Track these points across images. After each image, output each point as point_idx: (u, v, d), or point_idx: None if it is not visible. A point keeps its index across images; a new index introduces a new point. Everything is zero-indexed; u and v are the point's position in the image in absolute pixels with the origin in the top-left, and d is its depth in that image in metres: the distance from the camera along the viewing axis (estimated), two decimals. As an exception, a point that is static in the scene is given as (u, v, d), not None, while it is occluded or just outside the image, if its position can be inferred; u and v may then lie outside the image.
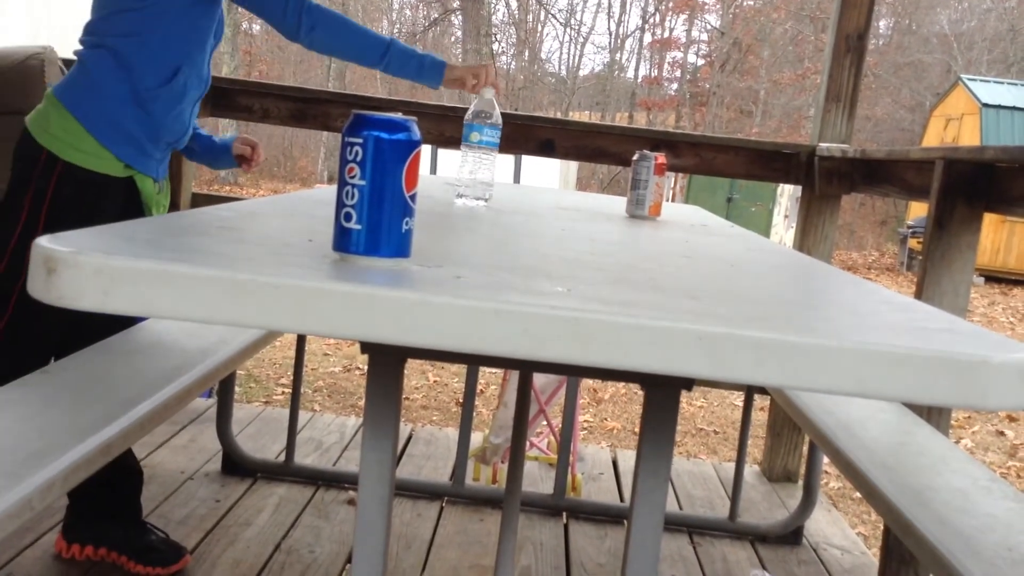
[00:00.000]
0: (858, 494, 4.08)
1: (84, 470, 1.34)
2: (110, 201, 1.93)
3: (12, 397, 1.54)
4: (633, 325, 0.73)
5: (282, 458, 2.82)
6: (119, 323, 2.01)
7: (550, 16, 26.86)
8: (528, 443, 3.04)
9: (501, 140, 3.19)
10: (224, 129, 20.31)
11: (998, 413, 5.83)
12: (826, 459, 2.71)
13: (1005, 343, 0.79)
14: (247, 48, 24.39)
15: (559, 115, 22.60)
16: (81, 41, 1.93)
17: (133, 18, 1.86)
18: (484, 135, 1.85)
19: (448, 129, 3.10)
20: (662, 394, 1.14)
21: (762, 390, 2.76)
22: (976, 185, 2.11)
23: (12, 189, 1.89)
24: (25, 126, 1.90)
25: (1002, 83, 16.73)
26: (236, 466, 2.76)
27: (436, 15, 25.69)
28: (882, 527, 2.65)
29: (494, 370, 5.53)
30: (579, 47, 27.50)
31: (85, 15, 1.95)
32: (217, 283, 0.74)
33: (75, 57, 1.93)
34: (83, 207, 1.88)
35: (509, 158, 12.36)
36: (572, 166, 15.03)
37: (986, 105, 15.38)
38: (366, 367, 1.16)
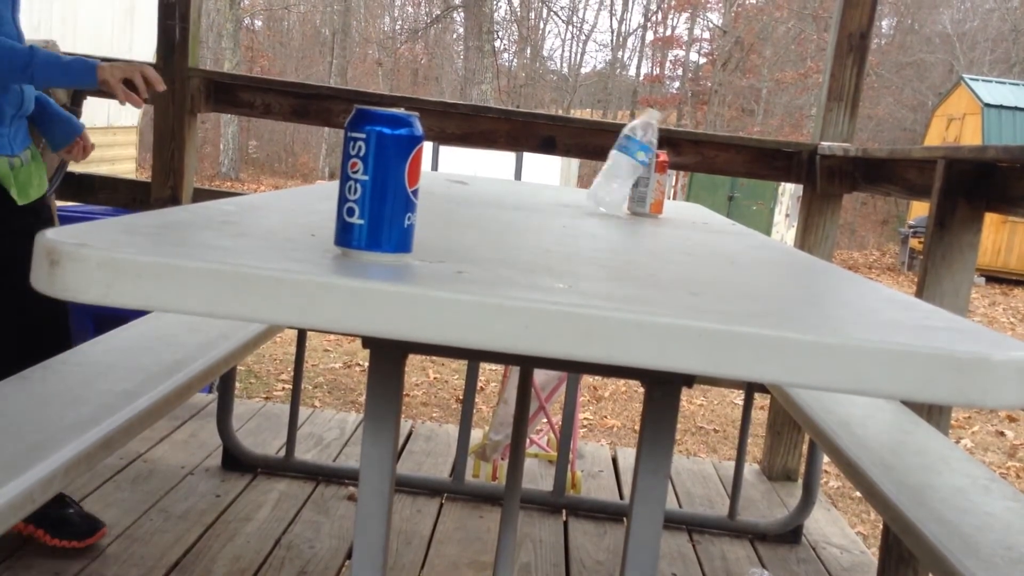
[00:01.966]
0: (857, 493, 4.08)
1: (85, 464, 1.34)
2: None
3: (13, 390, 1.54)
4: (634, 321, 0.74)
5: (282, 453, 2.83)
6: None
7: (552, 13, 26.85)
8: (528, 440, 3.04)
9: (503, 137, 3.20)
10: (226, 124, 20.30)
11: (998, 413, 5.83)
12: (826, 458, 2.71)
13: (1005, 341, 0.79)
14: (248, 43, 24.39)
15: (560, 112, 22.60)
16: None
17: None
18: (645, 156, 1.90)
19: (450, 126, 3.10)
20: (662, 391, 1.14)
21: (762, 388, 2.76)
22: (977, 185, 2.11)
23: None
24: None
25: (1004, 83, 16.71)
26: (236, 461, 2.76)
27: (438, 12, 25.66)
28: (881, 526, 2.65)
29: (494, 367, 5.53)
30: (581, 45, 27.54)
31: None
32: (220, 277, 0.74)
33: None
34: None
35: (510, 155, 12.36)
36: (573, 163, 15.02)
37: (988, 105, 15.36)
38: (366, 363, 1.17)
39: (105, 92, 2.02)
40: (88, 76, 1.92)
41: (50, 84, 1.96)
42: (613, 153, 1.93)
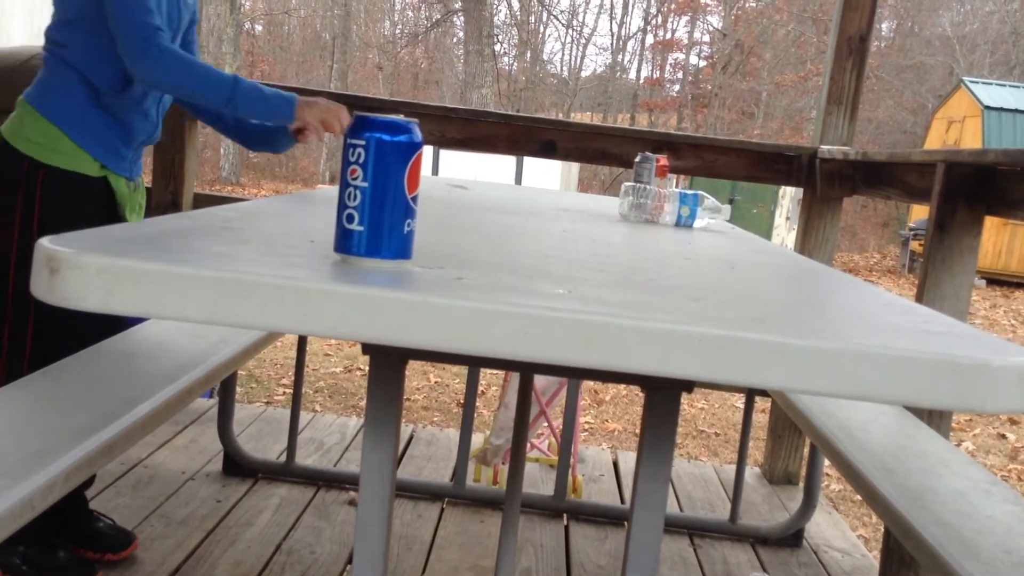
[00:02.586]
0: (859, 496, 4.08)
1: (86, 470, 1.34)
2: (91, 202, 1.95)
3: (14, 397, 1.54)
4: (633, 327, 0.74)
5: (283, 458, 2.82)
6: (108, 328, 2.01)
7: (552, 17, 26.88)
8: (529, 444, 3.04)
9: (503, 142, 3.20)
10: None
11: (999, 416, 5.83)
12: (827, 461, 2.71)
13: (1005, 347, 0.80)
14: (249, 48, 24.41)
15: (561, 116, 22.60)
16: (44, 47, 1.94)
17: (83, 27, 1.88)
18: (692, 216, 1.93)
19: (450, 130, 3.10)
20: (663, 396, 1.14)
21: (763, 392, 2.76)
22: (977, 188, 2.11)
23: (1, 200, 1.90)
24: (2, 135, 1.91)
25: (1004, 86, 16.72)
26: (237, 466, 2.76)
27: (438, 16, 25.69)
28: (882, 529, 2.65)
29: (495, 371, 5.53)
30: (581, 48, 27.58)
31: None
32: (219, 284, 0.74)
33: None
34: (70, 209, 1.90)
35: (510, 159, 12.37)
36: (573, 167, 15.03)
37: (988, 107, 15.37)
38: (367, 367, 1.17)
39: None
40: (287, 112, 1.89)
41: (250, 115, 1.92)
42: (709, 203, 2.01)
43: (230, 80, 1.86)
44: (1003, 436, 5.50)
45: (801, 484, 3.05)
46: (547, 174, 13.03)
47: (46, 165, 1.88)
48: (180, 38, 2.03)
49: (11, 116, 1.93)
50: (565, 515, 2.74)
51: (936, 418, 2.13)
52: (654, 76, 27.55)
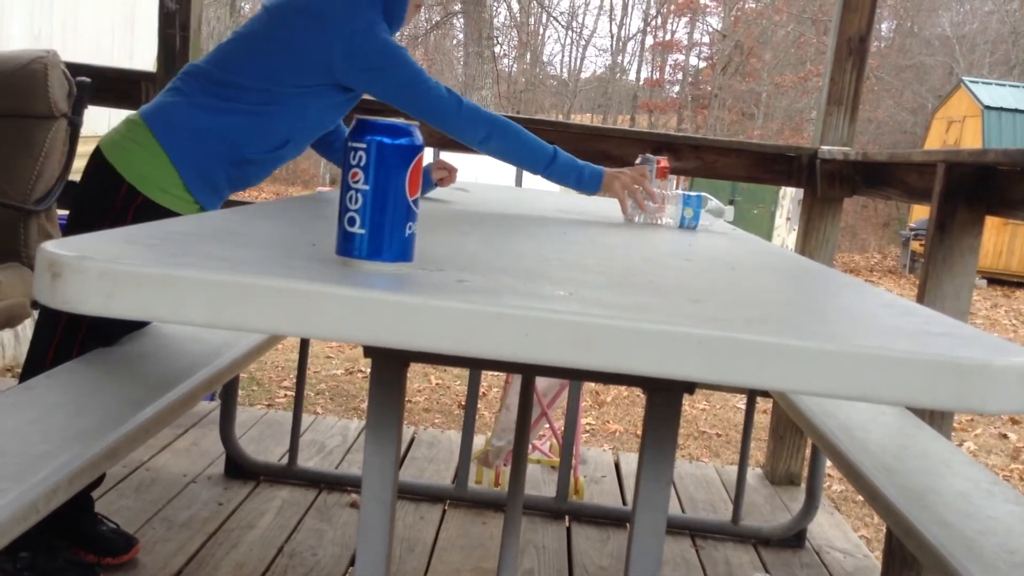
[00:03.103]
0: (860, 497, 4.08)
1: (88, 474, 1.34)
2: None
3: (17, 400, 1.55)
4: (634, 329, 0.74)
5: (285, 461, 2.83)
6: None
7: (552, 19, 26.89)
8: (530, 446, 3.04)
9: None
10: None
11: (1001, 416, 5.83)
12: (828, 462, 2.71)
13: (1006, 347, 0.80)
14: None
15: (560, 117, 22.60)
16: (184, 78, 1.91)
17: (265, 97, 1.87)
18: (695, 218, 1.93)
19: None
20: (664, 397, 1.14)
21: (764, 392, 2.76)
22: (977, 188, 2.11)
23: (86, 210, 1.90)
24: (103, 152, 1.88)
25: (1004, 85, 16.72)
26: (239, 469, 2.76)
27: (438, 18, 25.70)
28: (884, 530, 2.65)
29: (497, 373, 5.53)
30: (581, 50, 27.57)
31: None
32: (220, 287, 0.74)
33: (176, 86, 1.92)
34: None
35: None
36: (574, 169, 15.01)
37: (988, 107, 15.37)
38: (369, 370, 1.17)
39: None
40: (594, 187, 1.98)
41: (560, 182, 2.00)
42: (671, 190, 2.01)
43: (551, 151, 1.96)
44: (1005, 436, 5.50)
45: (803, 485, 3.05)
46: (547, 176, 13.01)
47: (144, 196, 1.86)
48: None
49: (118, 132, 1.89)
50: (567, 517, 2.74)
51: (937, 418, 2.13)
52: (654, 77, 27.56)
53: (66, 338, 1.91)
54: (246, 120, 1.88)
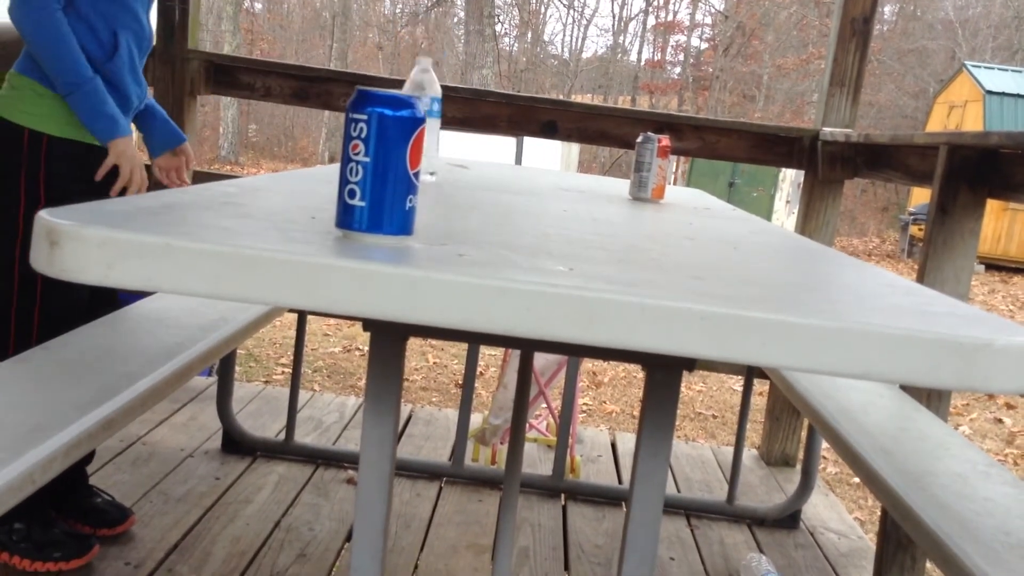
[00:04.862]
0: (855, 479, 4.09)
1: (85, 445, 1.34)
2: (95, 171, 1.94)
3: (14, 372, 1.54)
4: (636, 304, 0.73)
5: (282, 437, 2.83)
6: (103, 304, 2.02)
7: (553, -2, 26.72)
8: (527, 425, 3.04)
9: (504, 122, 3.18)
10: (226, 108, 20.25)
11: (996, 401, 5.84)
12: (823, 444, 2.72)
13: (1008, 327, 0.79)
14: (248, 26, 24.28)
15: (561, 97, 22.49)
16: None
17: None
18: (425, 107, 1.82)
19: (451, 110, 3.08)
20: (663, 374, 1.14)
21: (762, 374, 2.76)
22: (980, 171, 2.10)
23: (1, 176, 1.89)
24: None
25: (1006, 70, 16.66)
26: (236, 444, 2.77)
27: (439, -4, 25.55)
28: (879, 513, 2.66)
29: (494, 352, 5.54)
30: (582, 29, 27.48)
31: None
32: (221, 258, 0.73)
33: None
34: (76, 179, 1.90)
35: (510, 140, 12.33)
36: (573, 149, 14.98)
37: (990, 92, 15.33)
38: (366, 347, 1.17)
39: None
40: (106, 134, 1.90)
41: (78, 112, 1.90)
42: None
43: (87, 76, 1.85)
44: (1000, 421, 5.52)
45: (798, 466, 3.05)
46: (547, 155, 13.00)
47: (48, 136, 1.86)
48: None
49: (2, 90, 1.91)
50: (563, 495, 2.75)
51: (935, 401, 2.13)
52: (655, 58, 27.45)
53: (19, 329, 1.90)
54: (76, 33, 1.86)
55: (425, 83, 1.73)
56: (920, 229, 13.42)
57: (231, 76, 3.13)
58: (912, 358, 0.73)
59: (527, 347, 1.49)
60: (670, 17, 27.10)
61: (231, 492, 2.50)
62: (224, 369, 2.70)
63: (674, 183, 14.47)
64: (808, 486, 2.64)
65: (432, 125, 1.73)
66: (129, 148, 1.93)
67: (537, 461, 3.01)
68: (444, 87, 3.17)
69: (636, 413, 4.89)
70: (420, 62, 1.74)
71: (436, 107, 1.75)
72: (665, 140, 2.03)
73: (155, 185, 2.14)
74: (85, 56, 1.88)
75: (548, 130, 3.14)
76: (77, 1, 1.87)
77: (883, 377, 0.74)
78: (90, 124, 1.89)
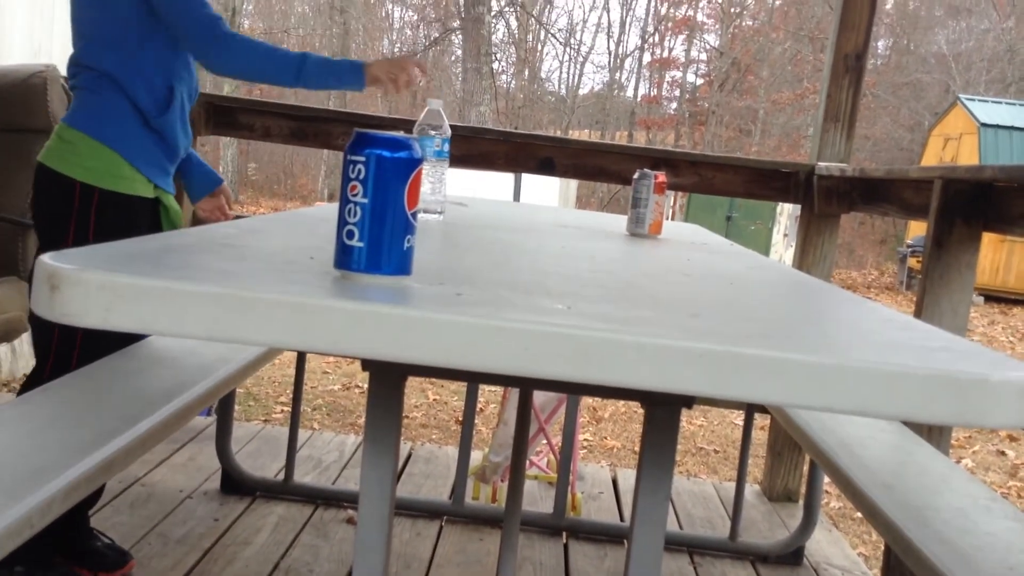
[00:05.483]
0: (859, 514, 4.07)
1: (84, 488, 1.34)
2: (144, 222, 2.01)
3: (13, 414, 1.54)
4: (633, 343, 0.74)
5: (281, 476, 2.82)
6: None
7: (550, 36, 27.00)
8: (528, 462, 3.03)
9: (502, 159, 3.20)
10: (225, 147, 20.38)
11: (998, 433, 5.82)
12: (826, 479, 2.70)
13: (1004, 361, 0.80)
14: (248, 67, 24.42)
15: (559, 133, 22.64)
16: (77, 72, 1.96)
17: (124, 53, 1.91)
18: (436, 147, 1.85)
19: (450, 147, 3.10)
20: (662, 412, 1.14)
21: (762, 408, 2.76)
22: (974, 204, 2.11)
23: (50, 226, 1.94)
24: (46, 165, 1.93)
25: (1000, 103, 16.79)
26: (235, 484, 2.75)
27: (436, 35, 25.81)
28: (883, 547, 2.64)
29: (494, 388, 5.52)
30: (579, 66, 27.64)
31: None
32: (219, 300, 0.74)
33: (73, 87, 1.98)
34: (124, 231, 1.92)
35: (509, 176, 12.38)
36: (572, 184, 15.06)
37: (984, 125, 15.43)
38: (366, 385, 1.17)
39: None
40: (357, 79, 2.00)
41: (322, 87, 2.03)
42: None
43: (297, 57, 1.95)
44: (1003, 453, 5.49)
45: (801, 502, 3.04)
46: (545, 191, 13.05)
47: (100, 189, 1.90)
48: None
49: (51, 143, 1.95)
50: (564, 533, 2.73)
51: (936, 434, 2.13)
52: (651, 94, 27.66)
53: (62, 351, 1.92)
54: (127, 84, 1.92)
55: (435, 124, 1.77)
56: (918, 261, 13.43)
57: (230, 117, 3.16)
58: (908, 394, 0.73)
59: (525, 386, 1.49)
60: (665, 54, 27.36)
61: (230, 533, 2.48)
62: (223, 409, 2.70)
63: (672, 217, 14.53)
64: (811, 522, 2.62)
65: (440, 165, 1.76)
66: (374, 69, 1.99)
67: (538, 499, 2.99)
68: (442, 126, 3.20)
69: (637, 448, 4.87)
70: (431, 103, 1.77)
71: (445, 148, 1.78)
72: (661, 176, 2.04)
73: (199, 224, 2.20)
74: (138, 111, 1.92)
75: (545, 167, 3.16)
76: (140, 54, 1.91)
77: (879, 413, 0.74)
78: (336, 85, 2.00)
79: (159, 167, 2.02)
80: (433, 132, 1.76)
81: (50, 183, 1.92)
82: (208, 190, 2.23)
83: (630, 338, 0.74)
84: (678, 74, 27.49)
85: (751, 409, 2.77)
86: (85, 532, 2.14)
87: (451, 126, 3.19)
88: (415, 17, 27.67)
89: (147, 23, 1.91)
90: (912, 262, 14.40)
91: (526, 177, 12.32)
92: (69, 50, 2.00)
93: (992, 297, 14.32)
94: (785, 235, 14.83)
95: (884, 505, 1.55)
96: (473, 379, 1.62)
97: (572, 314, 0.83)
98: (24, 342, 4.29)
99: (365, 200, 0.86)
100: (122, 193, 1.93)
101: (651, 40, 27.10)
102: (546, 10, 27.08)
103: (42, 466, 1.33)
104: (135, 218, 1.97)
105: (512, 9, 25.17)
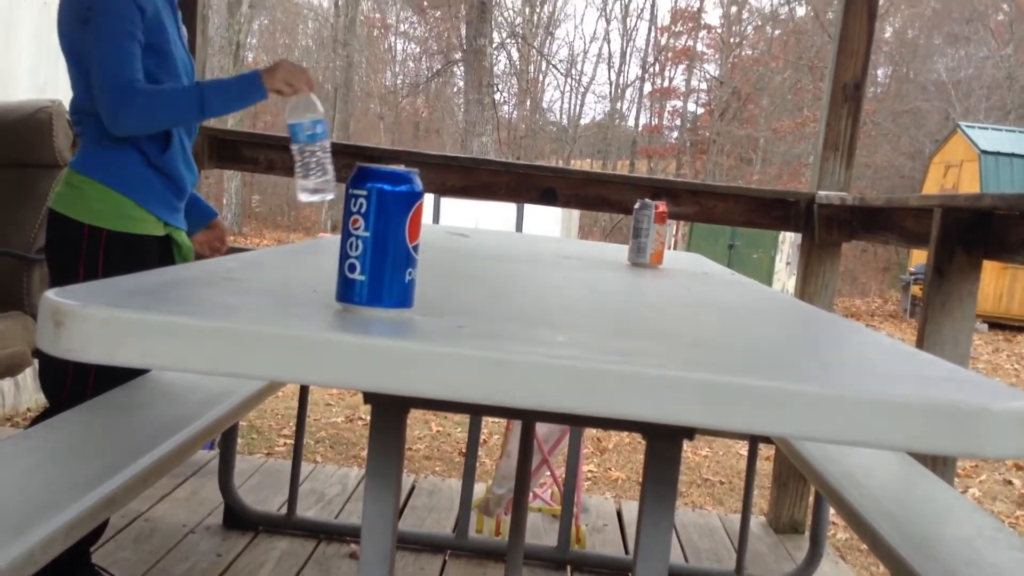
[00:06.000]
0: (865, 545, 4.03)
1: (87, 523, 1.33)
2: (153, 260, 2.02)
3: (16, 450, 1.54)
4: (634, 374, 0.74)
5: (284, 510, 2.80)
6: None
7: (551, 67, 27.20)
8: (531, 494, 3.01)
9: (504, 189, 3.22)
10: (229, 179, 20.48)
11: (1005, 462, 5.78)
12: (832, 510, 2.68)
13: (1005, 391, 0.80)
14: (252, 100, 24.60)
15: (561, 163, 22.77)
16: (78, 120, 2.00)
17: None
18: (315, 129, 1.89)
19: (451, 179, 3.12)
20: (664, 443, 1.14)
21: (766, 439, 2.75)
22: (975, 233, 2.12)
23: (62, 268, 1.96)
24: (56, 209, 1.96)
25: (1000, 130, 16.85)
26: (238, 519, 2.74)
27: (438, 67, 26.01)
28: (890, 577, 2.61)
29: (497, 420, 5.50)
30: (580, 96, 27.82)
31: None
32: (222, 335, 0.74)
33: (79, 133, 2.01)
34: (133, 269, 1.94)
35: (511, 206, 12.43)
36: (574, 214, 15.09)
37: (985, 152, 15.47)
38: (368, 417, 1.17)
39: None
40: (258, 91, 2.00)
41: (226, 111, 2.02)
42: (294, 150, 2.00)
43: (194, 91, 1.94)
44: (1009, 482, 5.45)
45: (807, 533, 3.02)
46: (548, 221, 13.08)
47: (108, 231, 1.93)
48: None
49: (61, 188, 1.98)
50: (569, 566, 2.71)
51: (940, 464, 2.12)
52: (652, 123, 27.79)
53: (76, 386, 1.93)
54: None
55: (307, 107, 1.82)
56: (921, 288, 13.42)
57: (234, 150, 3.18)
58: (910, 425, 0.73)
59: (527, 418, 1.49)
60: (666, 83, 27.53)
61: (233, 569, 2.46)
62: (226, 442, 2.69)
63: (674, 245, 14.55)
64: (817, 554, 2.60)
65: (312, 148, 1.89)
66: (269, 76, 1.99)
67: (542, 531, 2.97)
68: (444, 156, 3.22)
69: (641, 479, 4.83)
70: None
71: (318, 129, 1.92)
72: (662, 206, 2.05)
73: (197, 259, 2.22)
74: (141, 153, 1.95)
75: (547, 197, 3.17)
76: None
77: (881, 444, 0.74)
78: (240, 102, 1.99)
79: (167, 205, 2.04)
80: (309, 115, 1.82)
81: (60, 227, 1.96)
82: (203, 223, 2.26)
83: (630, 369, 0.74)
84: (679, 103, 27.66)
85: (755, 440, 2.76)
86: (88, 568, 2.13)
87: (452, 157, 3.22)
88: (417, 49, 27.90)
89: None
90: (915, 289, 14.39)
91: (528, 207, 12.36)
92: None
93: (996, 324, 14.29)
94: (788, 263, 14.84)
95: (889, 536, 1.54)
96: (475, 411, 1.62)
97: (573, 345, 0.84)
98: (28, 377, 4.29)
99: (367, 233, 0.87)
100: (130, 233, 1.96)
101: (652, 70, 27.29)
102: (547, 41, 27.31)
103: (45, 502, 1.33)
104: (144, 256, 1.99)
105: (513, 41, 25.40)
